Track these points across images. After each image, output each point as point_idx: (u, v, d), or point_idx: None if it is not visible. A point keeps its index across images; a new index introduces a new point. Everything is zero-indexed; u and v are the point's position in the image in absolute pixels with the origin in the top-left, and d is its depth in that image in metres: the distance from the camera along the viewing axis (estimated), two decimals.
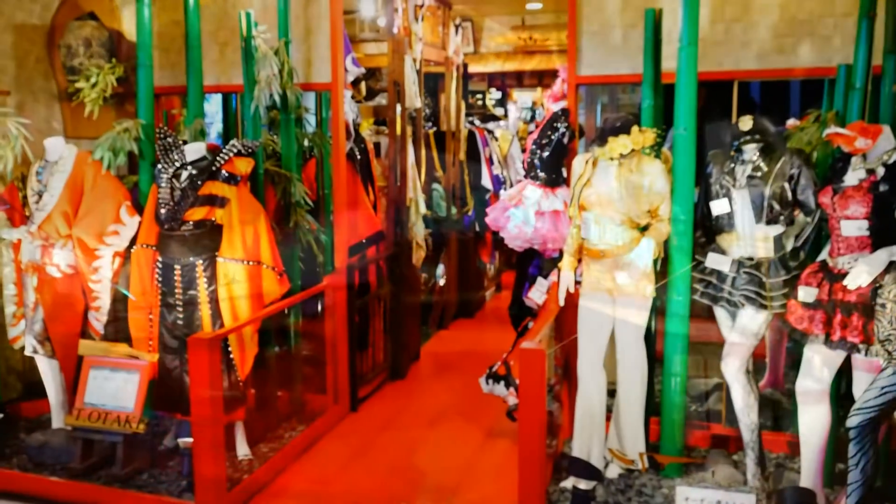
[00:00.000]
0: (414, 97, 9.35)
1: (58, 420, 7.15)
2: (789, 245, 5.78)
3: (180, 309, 6.56)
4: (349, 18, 8.87)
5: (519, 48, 16.12)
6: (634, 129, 5.84)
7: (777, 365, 7.38)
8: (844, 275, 5.21)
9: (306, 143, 8.02)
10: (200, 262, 6.49)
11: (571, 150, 6.96)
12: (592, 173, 6.02)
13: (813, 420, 5.53)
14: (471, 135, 11.58)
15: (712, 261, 5.92)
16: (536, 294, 7.03)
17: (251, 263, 6.54)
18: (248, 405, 6.97)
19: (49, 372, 7.13)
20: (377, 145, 9.63)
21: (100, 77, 7.62)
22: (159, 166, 6.66)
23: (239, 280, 6.52)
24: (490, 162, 11.76)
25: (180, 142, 6.74)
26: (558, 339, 6.67)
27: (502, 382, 6.85)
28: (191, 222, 6.44)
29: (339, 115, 7.62)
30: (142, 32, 7.07)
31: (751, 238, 5.78)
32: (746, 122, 5.78)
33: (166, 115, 8.29)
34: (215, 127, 9.50)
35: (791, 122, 6.28)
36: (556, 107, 7.08)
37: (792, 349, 7.06)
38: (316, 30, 7.62)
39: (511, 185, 11.84)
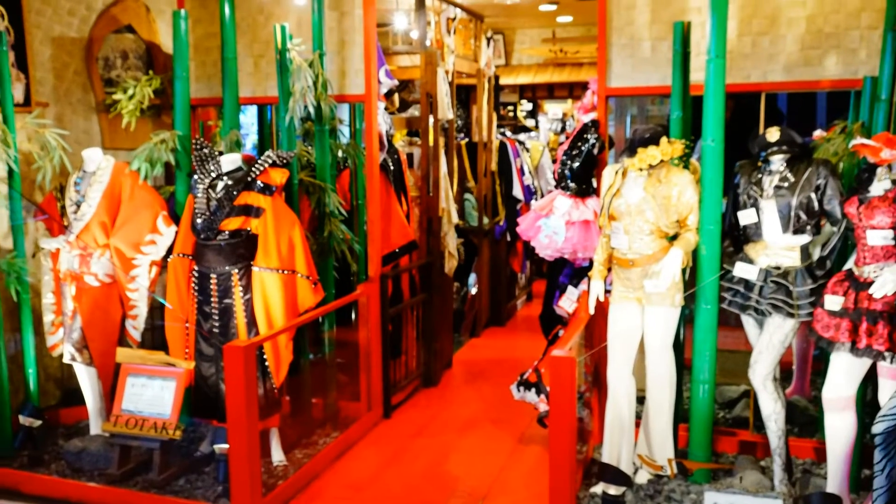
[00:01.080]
0: (446, 109, 9.40)
1: (96, 426, 7.24)
2: (816, 254, 5.82)
3: (216, 317, 6.64)
4: (382, 31, 8.91)
5: (550, 60, 16.14)
6: (663, 140, 5.91)
7: (804, 372, 7.42)
8: (870, 283, 5.27)
9: (340, 153, 8.09)
10: (236, 271, 6.57)
11: (601, 161, 6.99)
12: (622, 184, 6.10)
13: (839, 427, 5.58)
14: (502, 146, 11.64)
15: (740, 270, 5.98)
16: (567, 303, 7.05)
17: (286, 272, 6.60)
18: (283, 412, 7.06)
19: (87, 379, 7.21)
20: (410, 156, 9.66)
21: (137, 89, 7.76)
22: (195, 177, 6.75)
23: (274, 289, 6.58)
24: (521, 172, 11.79)
25: (216, 153, 6.84)
26: (588, 347, 6.74)
27: (533, 389, 6.94)
28: (227, 232, 6.51)
29: (372, 126, 7.69)
30: (178, 45, 7.19)
31: (778, 247, 5.86)
32: (773, 134, 5.86)
33: (202, 126, 8.39)
34: (251, 138, 9.57)
35: (817, 133, 6.33)
36: (586, 118, 7.11)
37: (818, 357, 7.08)
38: (350, 42, 7.73)
39: (542, 196, 11.91)
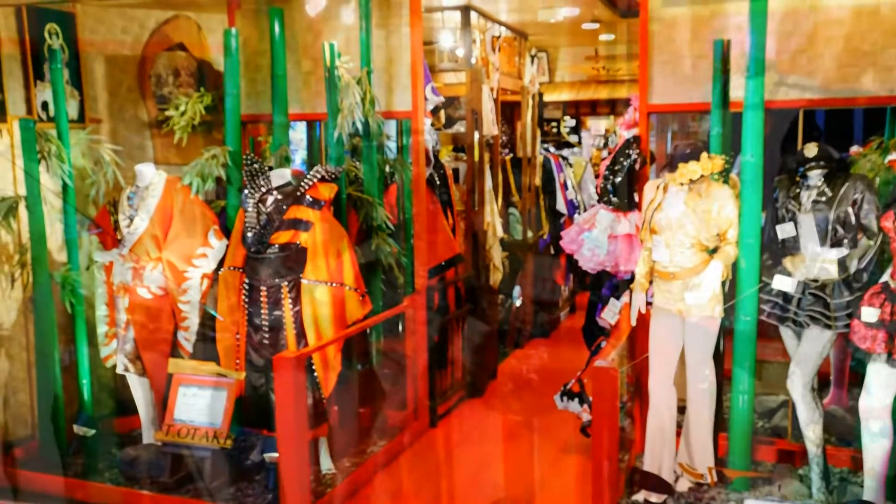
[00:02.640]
0: (491, 125, 9.54)
1: (148, 436, 7.40)
2: (853, 267, 5.93)
3: (266, 329, 6.77)
4: (429, 49, 9.02)
5: (592, 77, 16.21)
6: (704, 155, 6.02)
7: (841, 382, 7.49)
8: None
9: (387, 168, 8.17)
10: (286, 283, 6.70)
11: (643, 176, 7.10)
12: (663, 198, 6.24)
13: (875, 436, 5.66)
14: (546, 161, 11.80)
15: (778, 282, 6.13)
16: (609, 314, 7.16)
17: (334, 285, 6.74)
18: (332, 421, 7.17)
19: (140, 389, 7.39)
20: (456, 171, 9.81)
21: (188, 105, 7.95)
22: (246, 191, 6.90)
23: (323, 301, 6.72)
24: (564, 187, 11.91)
25: (266, 168, 6.98)
26: (630, 358, 6.89)
27: (576, 399, 7.10)
28: (276, 245, 6.65)
29: (419, 141, 7.85)
30: (229, 62, 7.40)
31: (815, 260, 6.00)
32: (811, 149, 6.00)
33: (253, 141, 8.43)
34: (300, 153, 9.67)
35: (854, 148, 6.46)
36: (627, 134, 7.23)
37: (855, 367, 7.09)
38: (397, 60, 7.89)
39: (585, 210, 12.01)
